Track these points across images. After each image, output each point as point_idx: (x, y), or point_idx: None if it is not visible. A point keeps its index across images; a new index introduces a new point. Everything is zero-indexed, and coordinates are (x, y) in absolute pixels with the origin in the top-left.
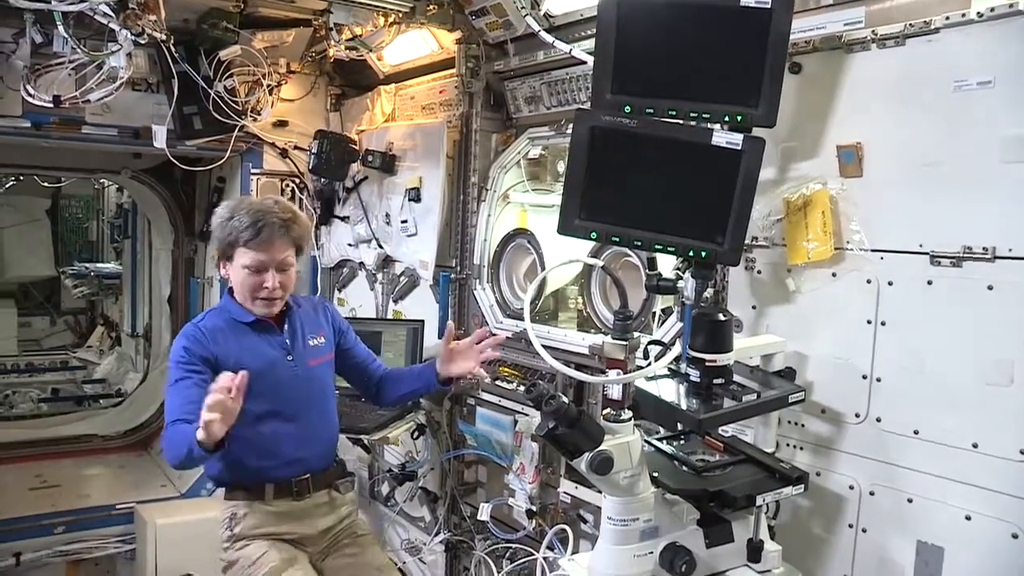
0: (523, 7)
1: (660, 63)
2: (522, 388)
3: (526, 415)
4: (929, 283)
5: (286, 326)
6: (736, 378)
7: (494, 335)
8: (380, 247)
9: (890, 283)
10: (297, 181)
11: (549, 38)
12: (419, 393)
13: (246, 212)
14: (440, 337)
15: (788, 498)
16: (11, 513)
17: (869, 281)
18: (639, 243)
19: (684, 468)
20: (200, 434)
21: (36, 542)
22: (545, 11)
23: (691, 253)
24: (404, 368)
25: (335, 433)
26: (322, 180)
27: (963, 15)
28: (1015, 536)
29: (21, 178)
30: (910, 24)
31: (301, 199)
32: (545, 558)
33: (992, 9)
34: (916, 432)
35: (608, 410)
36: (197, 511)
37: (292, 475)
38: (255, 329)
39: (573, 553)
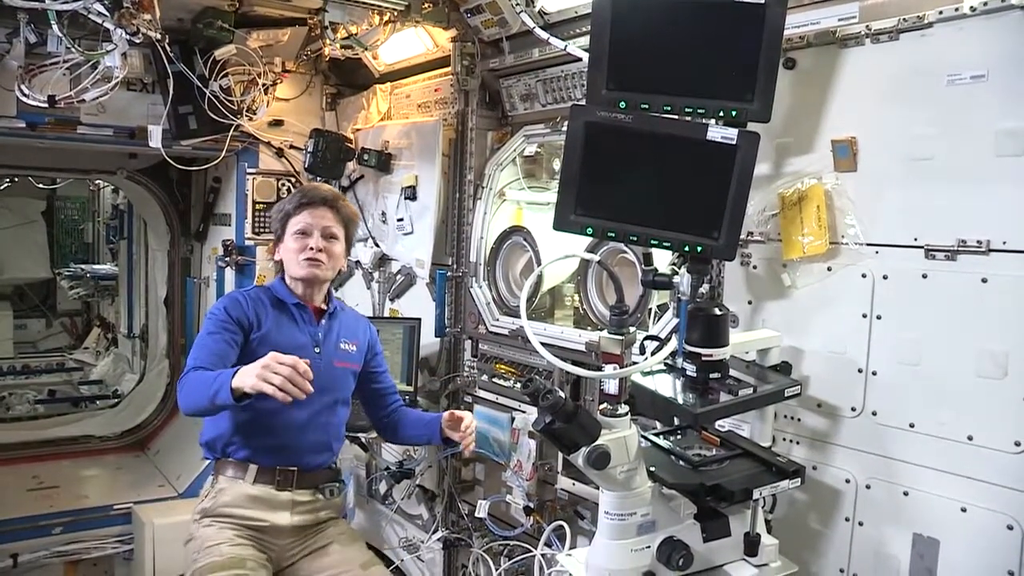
0: (518, 4)
1: (655, 59)
2: (519, 385)
3: (523, 412)
4: (924, 277)
5: (323, 321)
6: (732, 373)
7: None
8: (376, 246)
9: (885, 277)
10: (293, 180)
11: (544, 35)
12: (423, 442)
13: (298, 191)
14: (437, 336)
15: (785, 492)
16: (9, 514)
17: (864, 275)
18: (635, 239)
19: (681, 463)
20: (242, 381)
21: (34, 543)
22: (540, 8)
23: (687, 248)
24: (415, 412)
25: (336, 439)
26: (318, 179)
27: (956, 9)
28: (1010, 528)
29: (16, 180)
30: (904, 19)
31: None
32: (543, 554)
33: (985, 3)
34: (912, 425)
35: (605, 405)
36: None
37: (279, 463)
38: (294, 312)
39: (571, 549)
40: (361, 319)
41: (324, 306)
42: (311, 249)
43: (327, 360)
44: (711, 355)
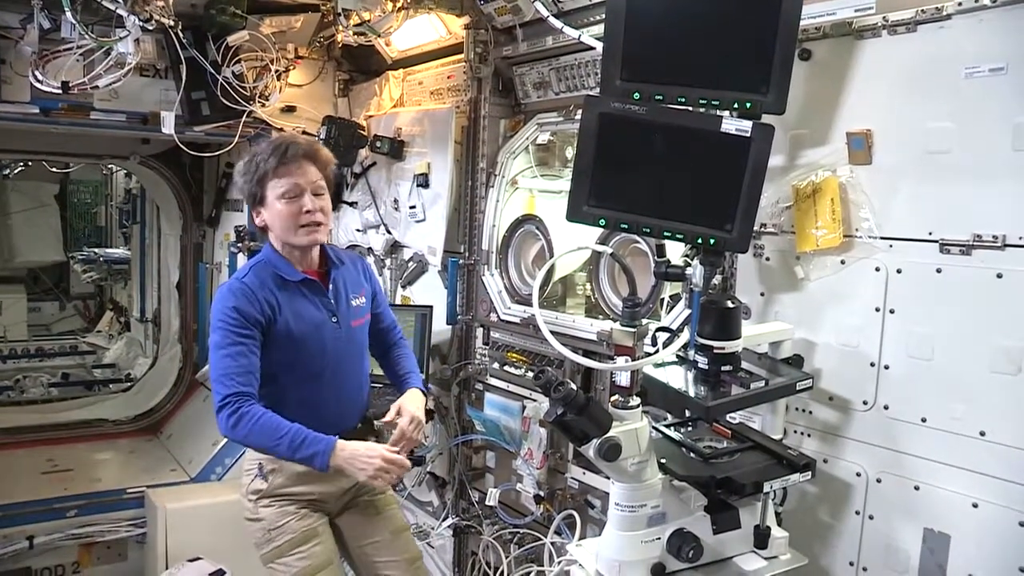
0: None
1: (669, 49)
2: (530, 374)
3: (534, 401)
4: (938, 271)
5: (331, 285)
6: (744, 365)
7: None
8: (388, 233)
9: (899, 271)
10: None
11: (558, 23)
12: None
13: (267, 145)
14: (448, 323)
15: (795, 485)
16: (24, 496)
17: (878, 269)
18: (648, 230)
19: (692, 455)
20: (349, 468)
21: (49, 525)
22: None
23: (700, 240)
24: (400, 360)
25: (364, 395)
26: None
27: (975, 1)
28: (1022, 524)
29: (30, 164)
30: (921, 10)
31: None
32: (553, 543)
33: None
34: (924, 420)
35: (616, 397)
36: (207, 496)
37: None
38: (302, 289)
39: (580, 538)
40: (356, 259)
41: (323, 267)
42: (308, 213)
43: (346, 326)
44: (723, 347)
